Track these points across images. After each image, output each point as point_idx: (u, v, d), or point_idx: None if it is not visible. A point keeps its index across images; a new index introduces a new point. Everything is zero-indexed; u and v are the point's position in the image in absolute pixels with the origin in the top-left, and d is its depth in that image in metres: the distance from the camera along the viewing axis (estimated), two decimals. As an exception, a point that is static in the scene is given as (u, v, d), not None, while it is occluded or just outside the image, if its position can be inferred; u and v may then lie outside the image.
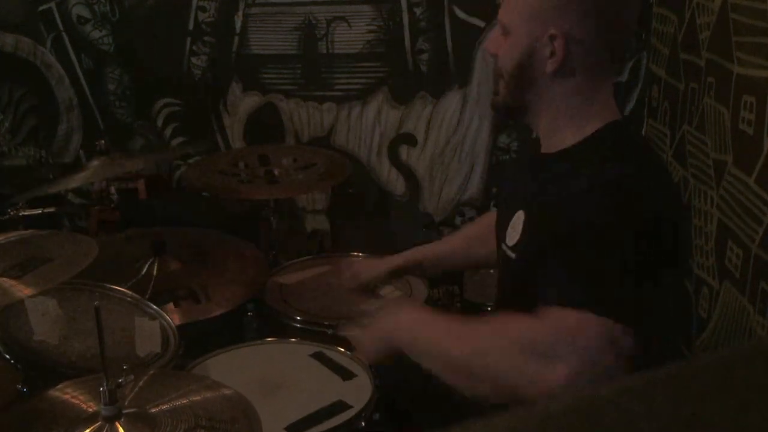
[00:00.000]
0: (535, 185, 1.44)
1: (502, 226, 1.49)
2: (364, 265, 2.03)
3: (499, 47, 1.42)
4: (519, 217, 1.41)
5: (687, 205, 2.12)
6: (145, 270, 1.92)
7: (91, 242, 1.51)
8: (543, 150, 1.45)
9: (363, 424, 1.49)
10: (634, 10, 1.39)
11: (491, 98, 1.52)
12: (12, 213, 1.95)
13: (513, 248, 1.41)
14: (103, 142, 1.90)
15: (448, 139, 2.75)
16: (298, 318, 1.90)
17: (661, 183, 1.35)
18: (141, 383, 1.30)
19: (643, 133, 2.62)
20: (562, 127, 1.39)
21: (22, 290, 1.34)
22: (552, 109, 1.39)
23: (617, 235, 1.24)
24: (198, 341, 1.75)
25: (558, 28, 1.32)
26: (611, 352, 1.16)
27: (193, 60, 2.73)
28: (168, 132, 2.81)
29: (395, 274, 1.98)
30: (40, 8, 2.69)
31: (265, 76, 2.74)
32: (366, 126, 2.77)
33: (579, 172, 1.32)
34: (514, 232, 1.42)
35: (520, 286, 1.44)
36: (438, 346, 1.34)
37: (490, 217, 1.70)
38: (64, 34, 2.72)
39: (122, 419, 1.19)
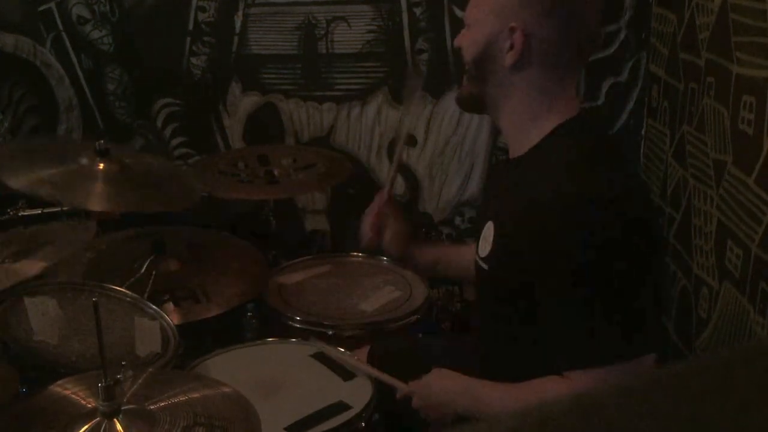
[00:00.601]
0: (501, 194, 1.46)
1: (477, 239, 1.50)
2: (397, 232, 1.89)
3: (462, 40, 1.45)
4: (489, 228, 1.42)
5: (676, 193, 2.12)
6: (144, 270, 1.92)
7: (90, 224, 1.50)
8: (511, 154, 1.46)
9: (363, 424, 1.49)
10: (597, 6, 1.40)
11: (457, 93, 1.54)
12: (12, 213, 1.95)
13: (485, 260, 1.42)
14: (103, 142, 1.89)
15: (448, 139, 2.75)
16: (298, 318, 1.90)
17: (619, 181, 1.33)
18: (140, 381, 1.30)
19: (642, 131, 2.62)
20: (525, 127, 1.39)
21: (24, 270, 1.34)
22: (512, 104, 1.40)
23: (586, 259, 1.25)
24: (198, 341, 1.75)
25: (518, 22, 1.34)
26: None
27: (193, 60, 2.73)
28: (168, 132, 2.80)
29: (407, 262, 1.96)
30: (40, 8, 2.69)
31: (265, 76, 2.74)
32: (366, 126, 2.77)
33: (537, 179, 1.33)
34: (485, 244, 1.42)
35: (495, 296, 1.46)
36: (495, 410, 1.37)
37: None
38: (63, 34, 2.71)
39: (121, 415, 1.19)
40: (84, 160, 1.79)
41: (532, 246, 1.30)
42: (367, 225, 1.87)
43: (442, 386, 1.47)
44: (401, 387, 1.55)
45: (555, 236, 1.26)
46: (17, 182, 1.65)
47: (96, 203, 1.76)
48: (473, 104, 1.49)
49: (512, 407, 1.33)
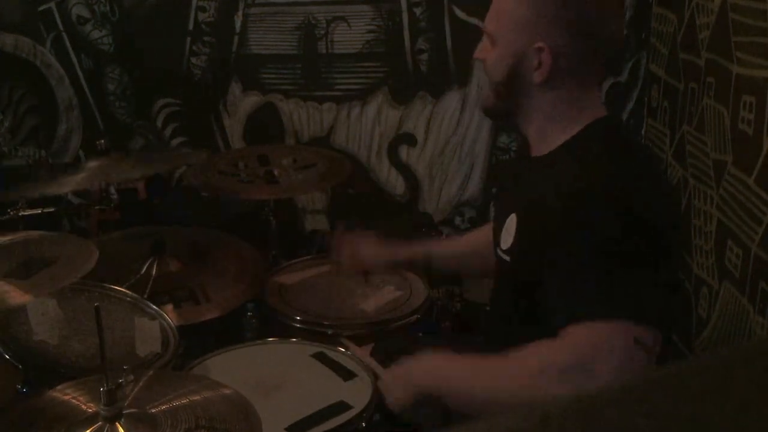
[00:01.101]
0: (526, 188, 1.46)
1: (497, 231, 1.50)
2: (367, 249, 1.94)
3: (486, 54, 1.45)
4: (512, 220, 1.42)
5: (676, 188, 2.12)
6: (144, 270, 1.93)
7: (91, 245, 1.51)
8: (534, 153, 1.47)
9: (363, 424, 1.49)
10: (620, 18, 1.41)
11: (481, 102, 1.56)
12: (12, 213, 1.95)
13: (507, 251, 1.43)
14: (102, 142, 1.90)
15: (448, 139, 2.75)
16: (298, 318, 1.90)
17: (649, 176, 1.35)
18: (141, 383, 1.30)
19: (642, 131, 2.62)
20: (551, 131, 1.41)
21: (27, 292, 1.34)
22: (540, 116, 1.42)
23: (611, 235, 1.24)
24: (198, 341, 1.75)
25: (544, 41, 1.34)
26: (641, 353, 1.17)
27: (193, 60, 2.73)
28: (168, 132, 2.81)
29: (397, 266, 1.97)
30: (40, 8, 2.69)
31: (265, 76, 2.74)
32: (365, 126, 2.77)
33: (567, 171, 1.34)
34: (508, 236, 1.43)
35: (515, 289, 1.45)
36: (464, 385, 1.34)
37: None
38: (63, 34, 2.71)
39: (122, 419, 1.19)
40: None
41: (557, 232, 1.28)
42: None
43: (418, 365, 1.42)
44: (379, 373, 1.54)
45: (583, 222, 1.26)
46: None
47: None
48: (499, 115, 1.51)
49: (499, 382, 1.30)
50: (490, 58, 1.43)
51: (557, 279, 1.29)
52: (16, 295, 1.32)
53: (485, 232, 1.82)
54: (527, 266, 1.38)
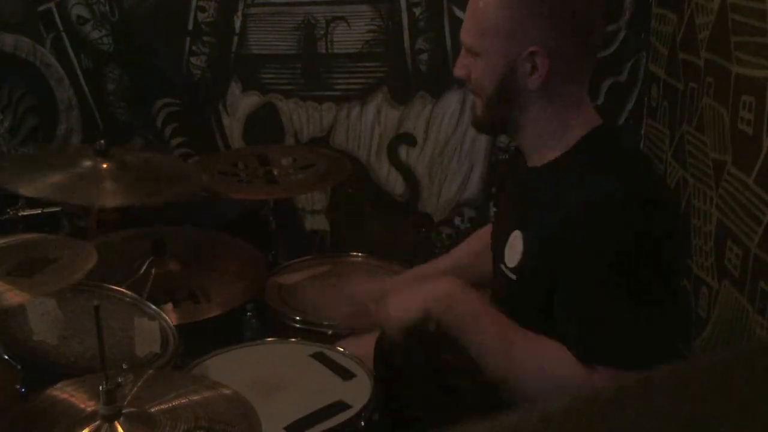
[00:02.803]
0: (528, 202, 1.42)
1: (498, 245, 1.46)
2: (365, 286, 1.85)
3: (471, 69, 1.37)
4: (516, 237, 1.38)
5: (675, 193, 2.12)
6: (144, 270, 1.93)
7: (90, 247, 1.51)
8: (529, 163, 1.42)
9: (363, 424, 1.49)
10: (604, 18, 1.38)
11: (471, 118, 1.49)
12: (12, 213, 1.95)
13: (514, 270, 1.39)
14: (102, 142, 1.90)
15: (448, 139, 2.75)
16: (298, 318, 1.90)
17: (654, 186, 1.33)
18: (140, 383, 1.30)
19: (642, 131, 2.62)
20: (547, 139, 1.37)
21: (26, 293, 1.34)
22: (536, 124, 1.36)
23: (627, 251, 1.23)
24: (198, 341, 1.75)
25: (538, 44, 1.28)
26: None
27: (193, 60, 2.73)
28: (168, 132, 2.80)
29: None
30: (40, 8, 2.69)
31: (265, 76, 2.74)
32: (365, 126, 2.77)
33: (571, 186, 1.30)
34: (513, 253, 1.39)
35: (523, 308, 1.41)
36: (476, 328, 1.33)
37: (487, 232, 1.67)
38: (63, 34, 2.71)
39: (121, 419, 1.19)
40: (87, 162, 1.84)
41: (571, 248, 1.26)
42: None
43: (432, 285, 1.42)
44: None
45: (594, 235, 1.24)
46: (28, 190, 1.75)
47: (106, 200, 1.87)
48: (491, 128, 1.46)
49: (516, 360, 1.30)
50: (476, 72, 1.36)
51: (578, 308, 1.28)
52: (16, 295, 1.32)
53: (483, 239, 1.78)
54: (536, 286, 1.35)
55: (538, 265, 1.34)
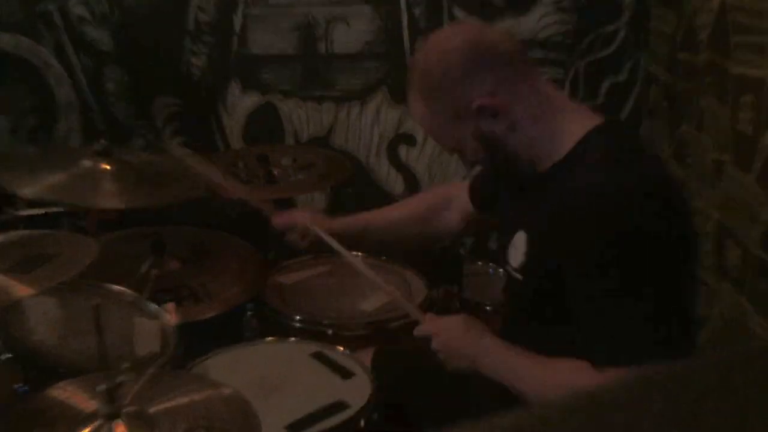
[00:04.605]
0: (531, 203, 1.42)
1: (502, 245, 1.48)
2: (306, 219, 1.94)
3: (452, 145, 1.44)
4: (520, 238, 1.40)
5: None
6: (144, 269, 1.92)
7: (90, 241, 1.52)
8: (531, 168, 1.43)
9: (362, 423, 1.49)
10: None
11: (469, 163, 1.58)
12: (12, 213, 1.95)
13: (519, 270, 1.41)
14: (102, 142, 1.90)
15: (448, 139, 2.75)
16: (298, 318, 1.90)
17: (655, 181, 1.33)
18: (140, 383, 1.30)
19: (641, 131, 2.62)
20: (544, 150, 1.37)
21: (28, 287, 1.34)
22: (528, 145, 1.38)
23: (637, 248, 1.22)
24: (198, 341, 1.75)
25: (479, 98, 1.31)
26: None
27: (193, 60, 2.73)
28: (167, 132, 2.81)
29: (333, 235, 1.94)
30: (40, 8, 2.69)
31: (265, 76, 2.74)
32: (365, 126, 2.77)
33: (571, 184, 1.30)
34: (517, 253, 1.40)
35: (529, 307, 1.44)
36: (513, 381, 1.36)
37: (444, 189, 1.70)
38: (64, 34, 2.71)
39: (121, 418, 1.19)
40: (87, 163, 1.85)
41: (574, 244, 1.26)
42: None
43: (464, 335, 1.45)
44: (419, 318, 1.56)
45: (597, 231, 1.24)
46: (28, 191, 1.76)
47: (106, 201, 1.88)
48: (506, 169, 1.45)
49: (537, 388, 1.31)
50: (446, 149, 1.44)
51: (587, 310, 1.27)
52: (16, 290, 1.32)
53: (437, 195, 1.87)
54: (541, 286, 1.37)
55: (541, 265, 1.35)
